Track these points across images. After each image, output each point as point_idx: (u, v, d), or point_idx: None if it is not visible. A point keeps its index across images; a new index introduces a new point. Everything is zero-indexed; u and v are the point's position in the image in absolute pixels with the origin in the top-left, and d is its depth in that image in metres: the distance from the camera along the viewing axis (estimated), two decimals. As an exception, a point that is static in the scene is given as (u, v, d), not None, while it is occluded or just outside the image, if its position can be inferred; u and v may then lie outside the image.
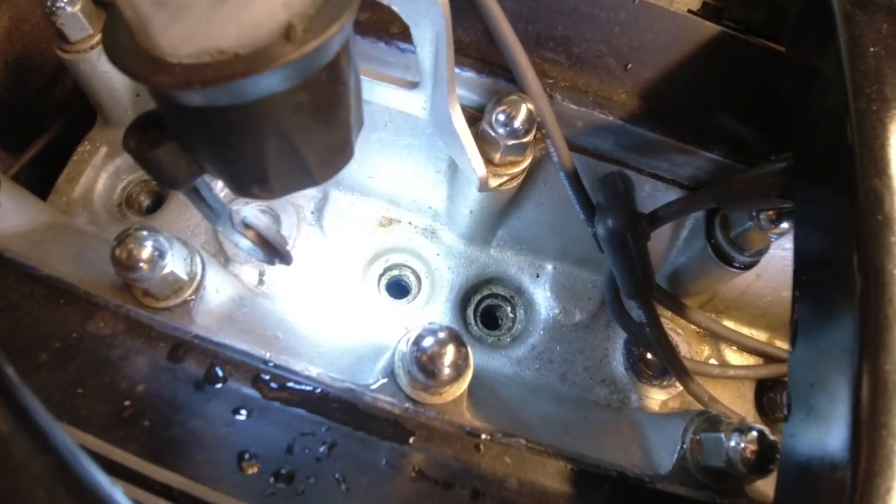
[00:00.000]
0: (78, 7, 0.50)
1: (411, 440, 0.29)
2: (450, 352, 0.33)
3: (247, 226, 0.41)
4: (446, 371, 0.33)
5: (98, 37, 0.54)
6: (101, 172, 0.60)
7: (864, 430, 0.24)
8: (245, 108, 0.26)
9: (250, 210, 0.40)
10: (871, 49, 0.37)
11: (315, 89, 0.27)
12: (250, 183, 0.31)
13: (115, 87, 0.57)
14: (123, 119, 0.61)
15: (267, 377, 0.30)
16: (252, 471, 0.25)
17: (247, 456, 0.25)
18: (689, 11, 0.54)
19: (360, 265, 0.54)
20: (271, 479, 0.25)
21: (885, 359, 0.25)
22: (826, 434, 0.26)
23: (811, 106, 0.38)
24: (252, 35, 0.23)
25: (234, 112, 0.26)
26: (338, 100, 0.30)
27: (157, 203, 0.62)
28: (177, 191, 0.35)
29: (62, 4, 0.51)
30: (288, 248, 0.41)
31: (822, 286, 0.30)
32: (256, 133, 0.28)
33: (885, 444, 0.24)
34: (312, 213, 0.54)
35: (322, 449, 0.27)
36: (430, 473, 0.27)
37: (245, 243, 0.41)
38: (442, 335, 0.33)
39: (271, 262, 0.43)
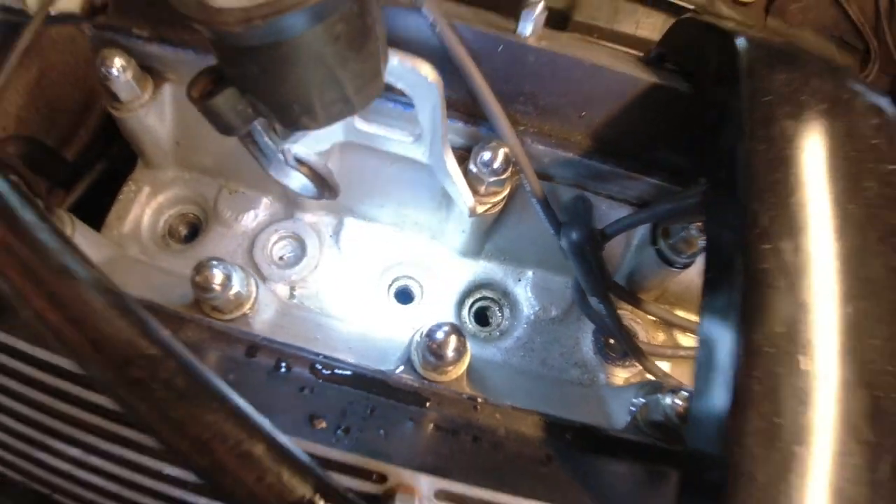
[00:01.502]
0: (129, 74, 0.61)
1: (427, 405, 0.40)
2: (452, 341, 0.44)
3: (300, 161, 0.46)
4: (450, 355, 0.44)
5: (147, 96, 0.64)
6: (146, 209, 0.70)
7: (739, 385, 0.35)
8: (294, 43, 0.31)
9: (300, 147, 0.45)
10: (765, 98, 0.49)
11: (349, 20, 0.32)
12: (300, 114, 0.37)
13: (158, 137, 0.67)
14: (163, 163, 0.71)
15: (319, 366, 0.40)
16: (321, 426, 0.36)
17: (315, 417, 0.36)
18: (639, 58, 0.66)
19: (373, 278, 0.65)
20: (336, 431, 0.36)
21: (757, 331, 0.37)
22: (715, 388, 0.37)
23: (720, 142, 0.50)
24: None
25: (285, 47, 0.32)
26: (367, 30, 0.35)
27: (193, 232, 0.72)
28: (235, 135, 0.40)
29: (116, 73, 0.60)
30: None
31: (721, 281, 0.41)
32: (304, 64, 0.34)
33: (754, 391, 0.35)
34: (331, 236, 0.65)
35: (366, 412, 0.38)
36: (442, 426, 0.38)
37: (298, 180, 0.46)
38: (446, 328, 0.44)
39: (321, 196, 0.48)
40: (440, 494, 0.37)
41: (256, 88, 0.36)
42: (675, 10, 1.24)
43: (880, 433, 0.34)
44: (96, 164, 0.78)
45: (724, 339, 0.38)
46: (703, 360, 0.41)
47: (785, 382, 0.35)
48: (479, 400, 0.41)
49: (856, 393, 0.35)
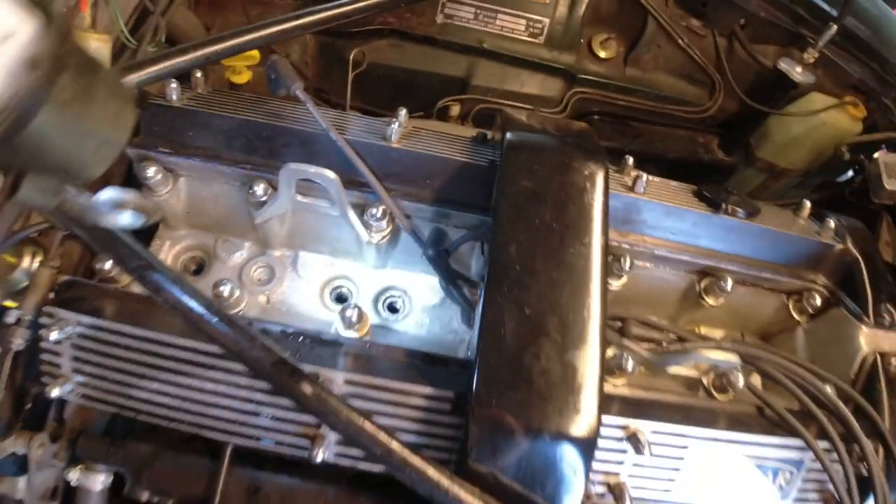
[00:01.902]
0: (159, 176, 0.97)
1: (342, 345, 0.78)
2: (360, 314, 0.82)
3: (120, 204, 0.51)
4: (359, 322, 0.81)
5: (169, 187, 1.00)
6: (168, 255, 1.07)
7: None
8: (36, 123, 0.37)
9: (110, 192, 0.50)
10: (518, 175, 0.85)
11: (71, 85, 0.38)
12: (83, 168, 0.43)
13: (175, 211, 1.03)
14: (178, 225, 1.07)
15: (291, 329, 0.78)
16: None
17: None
18: (471, 138, 1.04)
19: (319, 289, 1.02)
20: (295, 356, 0.74)
21: (492, 291, 0.74)
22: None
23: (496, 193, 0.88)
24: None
25: (31, 128, 0.38)
26: (90, 85, 0.40)
27: (200, 268, 1.09)
28: (58, 210, 0.45)
29: (150, 174, 0.96)
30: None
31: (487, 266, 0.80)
32: (56, 132, 0.40)
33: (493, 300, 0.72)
34: (291, 263, 1.03)
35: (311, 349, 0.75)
36: (361, 355, 0.76)
37: (123, 219, 0.50)
38: (356, 309, 0.82)
39: (150, 223, 0.55)
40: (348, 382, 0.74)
41: (41, 164, 0.41)
42: (551, 71, 1.65)
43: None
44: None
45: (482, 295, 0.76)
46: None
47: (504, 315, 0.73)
48: (370, 343, 0.79)
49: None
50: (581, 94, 1.63)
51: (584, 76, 1.64)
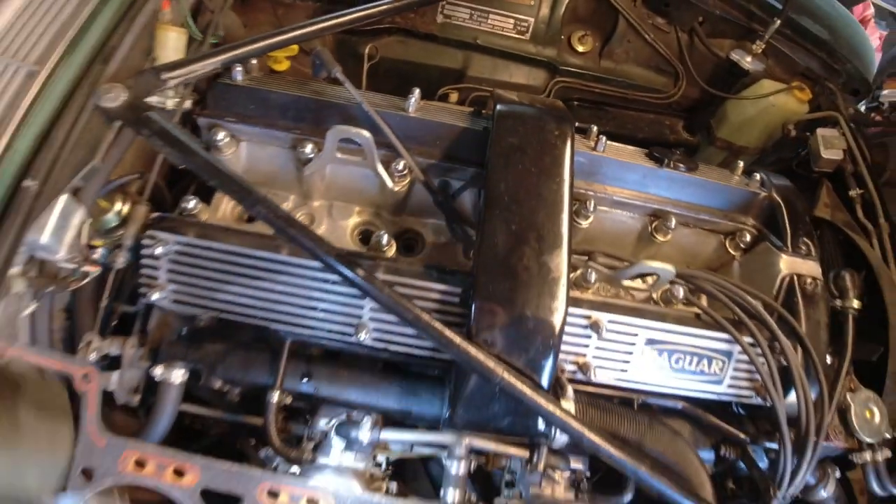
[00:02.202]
0: (227, 139, 1.22)
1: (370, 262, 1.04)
2: (389, 239, 1.07)
3: None
4: (387, 245, 1.07)
5: (233, 150, 1.25)
6: (227, 208, 1.32)
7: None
8: None
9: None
10: (506, 134, 1.11)
11: None
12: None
13: (235, 170, 1.29)
14: None
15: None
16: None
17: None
18: (471, 112, 1.30)
19: (348, 232, 1.28)
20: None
21: (487, 216, 1.00)
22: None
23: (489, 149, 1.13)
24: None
25: None
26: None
27: (251, 217, 1.34)
28: None
29: (220, 138, 1.22)
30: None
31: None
32: None
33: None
34: (327, 212, 1.28)
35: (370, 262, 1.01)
36: (391, 266, 1.02)
37: None
38: (385, 235, 1.07)
39: None
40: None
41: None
42: (535, 63, 1.92)
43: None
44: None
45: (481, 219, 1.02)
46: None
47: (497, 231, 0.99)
48: (397, 257, 1.04)
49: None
50: (562, 83, 1.90)
51: (564, 67, 1.90)
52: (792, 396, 1.10)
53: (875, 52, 2.01)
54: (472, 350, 0.88)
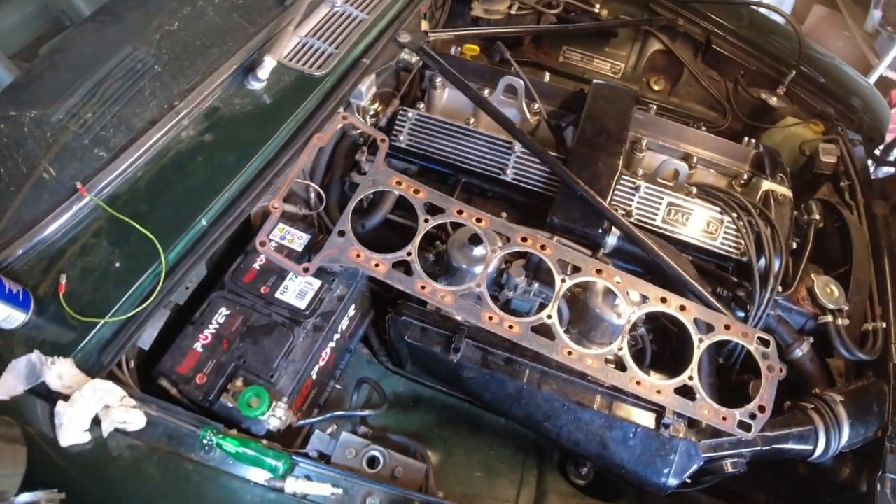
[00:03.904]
0: (439, 80, 2.19)
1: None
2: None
3: None
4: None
5: (441, 88, 2.21)
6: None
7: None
8: None
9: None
10: (595, 98, 2.02)
11: None
12: None
13: (436, 103, 2.24)
14: (435, 111, 2.28)
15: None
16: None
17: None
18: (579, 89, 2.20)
19: (498, 145, 2.17)
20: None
21: (576, 145, 1.86)
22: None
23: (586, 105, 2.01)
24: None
25: None
26: None
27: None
28: None
29: (437, 81, 2.20)
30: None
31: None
32: None
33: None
34: (486, 133, 2.19)
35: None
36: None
37: None
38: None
39: None
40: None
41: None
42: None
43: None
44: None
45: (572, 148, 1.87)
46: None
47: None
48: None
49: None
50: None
51: (643, 100, 2.77)
52: (762, 261, 1.79)
53: (888, 109, 2.71)
54: (567, 171, 1.71)
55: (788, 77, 2.52)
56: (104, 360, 1.29)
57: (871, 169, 2.38)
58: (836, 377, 1.87)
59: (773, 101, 2.59)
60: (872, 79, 3.86)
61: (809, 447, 1.62)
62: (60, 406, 1.19)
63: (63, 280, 1.32)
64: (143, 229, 1.37)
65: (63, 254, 1.36)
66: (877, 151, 2.57)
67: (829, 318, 1.80)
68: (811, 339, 1.79)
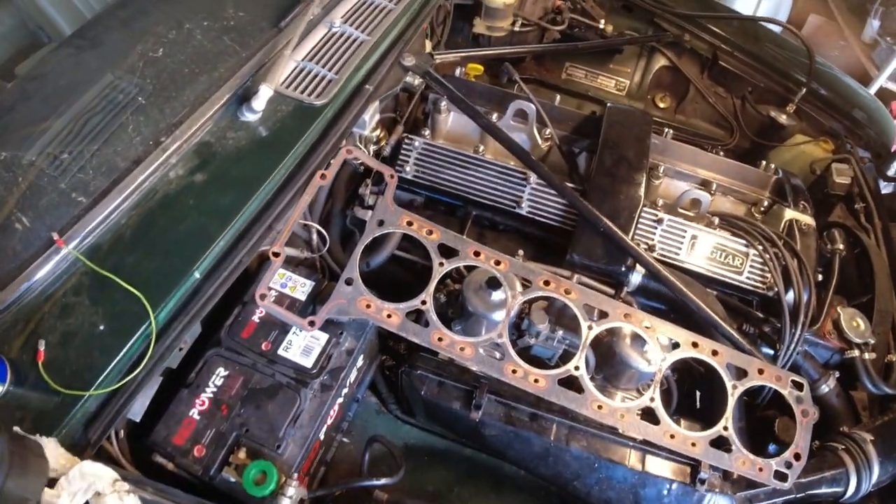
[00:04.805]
0: (444, 105, 2.07)
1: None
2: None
3: None
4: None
5: (445, 113, 2.09)
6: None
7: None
8: None
9: None
10: (611, 122, 1.92)
11: None
12: None
13: (441, 128, 2.12)
14: (439, 136, 2.15)
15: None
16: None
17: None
18: (592, 112, 2.10)
19: (506, 172, 2.06)
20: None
21: (595, 176, 1.76)
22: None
23: (602, 131, 1.91)
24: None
25: None
26: None
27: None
28: None
29: (442, 105, 2.07)
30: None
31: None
32: None
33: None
34: (494, 159, 2.08)
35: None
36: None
37: None
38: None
39: None
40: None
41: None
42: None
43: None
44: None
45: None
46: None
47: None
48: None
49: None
50: (646, 125, 2.68)
51: (657, 123, 2.67)
52: (790, 295, 1.71)
53: (892, 121, 2.65)
54: (588, 206, 1.60)
55: (799, 94, 2.45)
56: (91, 437, 1.14)
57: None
58: (860, 410, 1.80)
59: (783, 118, 2.51)
60: (872, 90, 3.85)
61: (841, 489, 1.55)
62: (47, 495, 1.04)
63: (42, 347, 1.16)
64: (128, 286, 1.22)
65: (41, 315, 1.20)
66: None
67: (856, 352, 1.73)
68: (837, 374, 1.72)
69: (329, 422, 1.43)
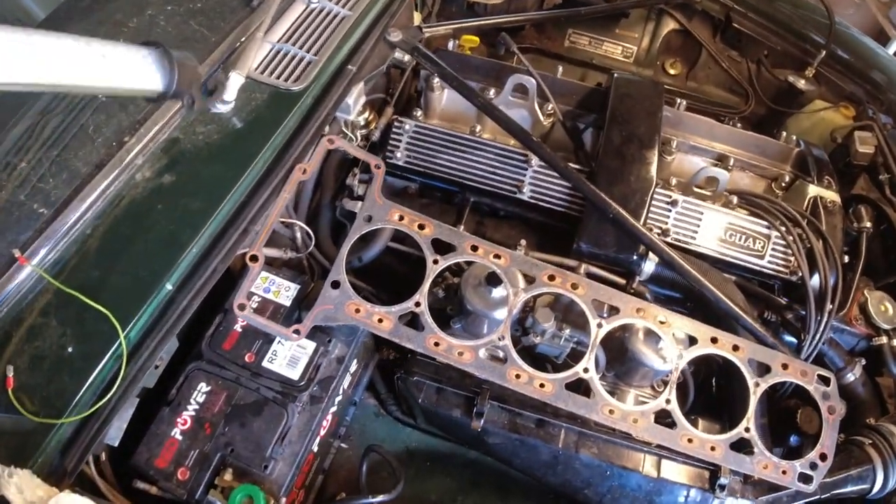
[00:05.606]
0: (437, 83, 1.92)
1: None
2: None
3: None
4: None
5: (439, 91, 1.94)
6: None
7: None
8: None
9: None
10: (619, 93, 1.76)
11: None
12: None
13: (435, 106, 1.97)
14: (434, 115, 2.01)
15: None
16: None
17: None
18: (598, 83, 1.94)
19: (506, 153, 1.92)
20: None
21: (604, 150, 1.61)
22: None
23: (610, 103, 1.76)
24: None
25: None
26: None
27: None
28: None
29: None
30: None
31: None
32: None
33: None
34: (492, 140, 1.93)
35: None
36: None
37: None
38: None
39: None
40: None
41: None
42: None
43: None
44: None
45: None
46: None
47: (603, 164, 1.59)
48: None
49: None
50: (656, 94, 2.51)
51: (669, 93, 2.49)
52: (815, 280, 1.58)
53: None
54: (596, 191, 1.46)
55: (818, 57, 2.27)
56: (67, 466, 1.07)
57: None
58: (887, 398, 1.69)
59: (802, 83, 2.34)
60: (891, 50, 3.62)
61: (867, 486, 1.46)
62: (26, 531, 0.97)
63: (10, 373, 1.08)
64: (94, 304, 1.11)
65: (7, 339, 1.11)
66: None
67: (884, 339, 1.61)
68: (863, 361, 1.60)
69: (322, 433, 1.34)
